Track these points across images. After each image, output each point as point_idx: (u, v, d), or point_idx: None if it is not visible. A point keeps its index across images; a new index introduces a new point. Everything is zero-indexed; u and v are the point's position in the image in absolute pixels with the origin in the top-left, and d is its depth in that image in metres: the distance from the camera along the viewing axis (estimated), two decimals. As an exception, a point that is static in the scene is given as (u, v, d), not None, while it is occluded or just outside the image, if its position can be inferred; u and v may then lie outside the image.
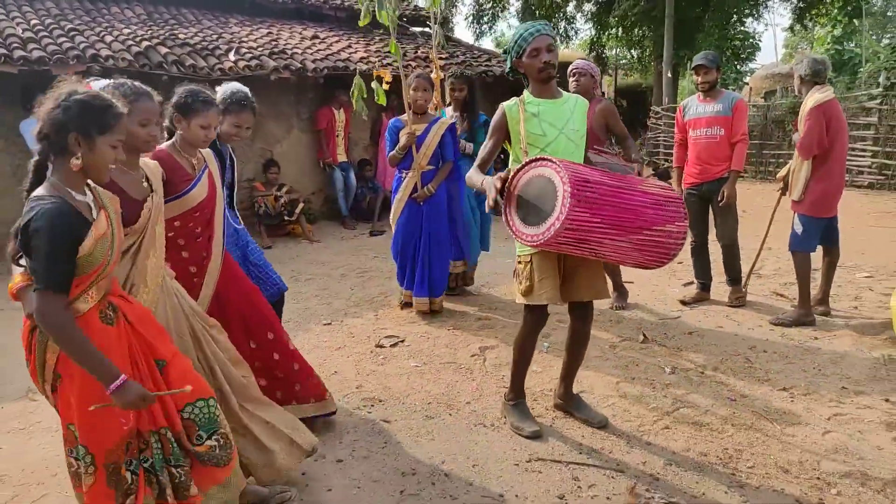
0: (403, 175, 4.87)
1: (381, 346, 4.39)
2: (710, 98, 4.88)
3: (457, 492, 2.74)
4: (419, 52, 9.87)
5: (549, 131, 3.00)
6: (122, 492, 2.04)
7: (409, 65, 8.57)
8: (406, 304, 5.08)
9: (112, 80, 2.30)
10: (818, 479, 2.79)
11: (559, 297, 3.03)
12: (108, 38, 7.20)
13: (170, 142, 2.74)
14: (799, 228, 4.59)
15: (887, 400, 3.48)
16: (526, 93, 3.08)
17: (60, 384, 2.00)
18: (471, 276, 5.55)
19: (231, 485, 2.25)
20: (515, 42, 2.99)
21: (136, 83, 2.32)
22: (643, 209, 2.76)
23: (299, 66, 7.85)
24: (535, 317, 3.13)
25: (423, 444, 3.13)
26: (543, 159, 2.74)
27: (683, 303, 5.12)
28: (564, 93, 3.14)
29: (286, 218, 7.93)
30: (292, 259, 7.03)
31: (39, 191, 1.91)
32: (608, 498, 2.68)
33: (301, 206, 7.98)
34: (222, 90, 3.13)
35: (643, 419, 3.33)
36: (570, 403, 3.36)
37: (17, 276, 2.00)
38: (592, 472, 2.86)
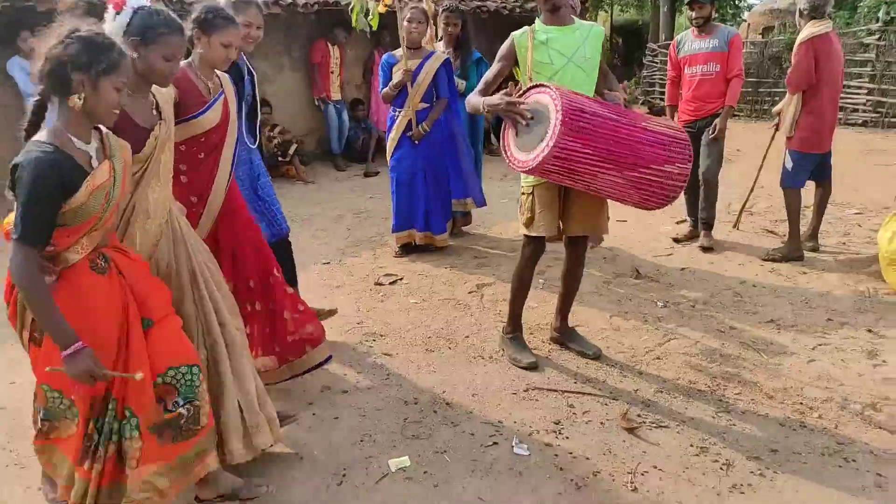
0: (396, 113, 4.78)
1: (380, 284, 4.47)
2: (704, 34, 4.82)
3: (458, 419, 2.87)
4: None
5: (557, 59, 2.98)
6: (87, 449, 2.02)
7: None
8: (402, 250, 5.00)
9: (148, 5, 2.18)
10: (801, 404, 2.94)
11: (556, 231, 3.11)
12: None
13: (186, 61, 2.57)
14: (789, 164, 4.64)
15: (870, 330, 3.62)
16: (537, 21, 3.08)
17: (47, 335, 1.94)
18: (470, 217, 5.54)
19: (177, 467, 2.11)
20: None
21: (170, 14, 2.19)
22: (641, 146, 2.77)
23: (290, 0, 7.67)
24: (533, 248, 3.21)
25: (424, 376, 3.25)
26: (542, 85, 2.76)
27: (676, 240, 5.20)
28: (578, 21, 3.10)
29: (280, 159, 7.89)
30: (287, 200, 7.00)
31: (40, 134, 1.85)
32: (602, 423, 2.82)
33: (294, 146, 7.92)
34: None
35: (635, 350, 3.45)
36: (565, 336, 3.47)
37: (12, 215, 1.90)
38: (587, 400, 3.00)
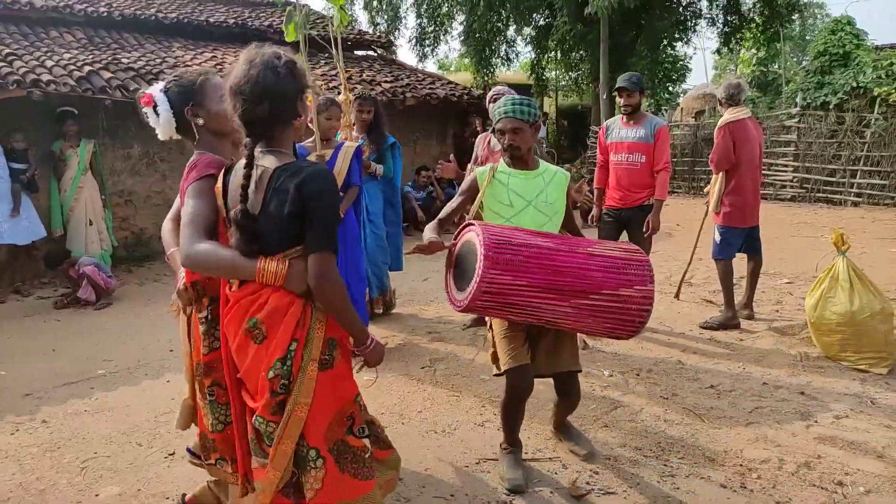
0: None
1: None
2: (633, 122, 4.76)
3: (410, 493, 2.89)
4: (364, 74, 10.08)
5: (517, 202, 2.95)
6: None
7: (355, 87, 8.74)
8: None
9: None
10: (741, 465, 3.06)
11: (527, 357, 2.90)
12: (49, 63, 7.16)
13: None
14: (718, 238, 4.97)
15: (802, 392, 3.81)
16: (501, 161, 3.08)
17: (339, 357, 1.96)
18: (391, 297, 5.52)
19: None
20: (493, 114, 3.05)
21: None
22: (589, 272, 2.65)
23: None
24: (514, 382, 2.89)
25: (377, 452, 3.26)
26: (470, 224, 2.72)
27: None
28: (544, 164, 3.08)
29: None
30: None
31: (271, 158, 1.87)
32: (552, 491, 2.88)
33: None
34: None
35: (584, 419, 3.55)
36: (561, 432, 3.31)
37: (271, 262, 1.86)
38: (537, 471, 3.06)
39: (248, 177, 1.84)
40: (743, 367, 4.23)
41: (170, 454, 3.34)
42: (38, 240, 6.76)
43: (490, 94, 4.84)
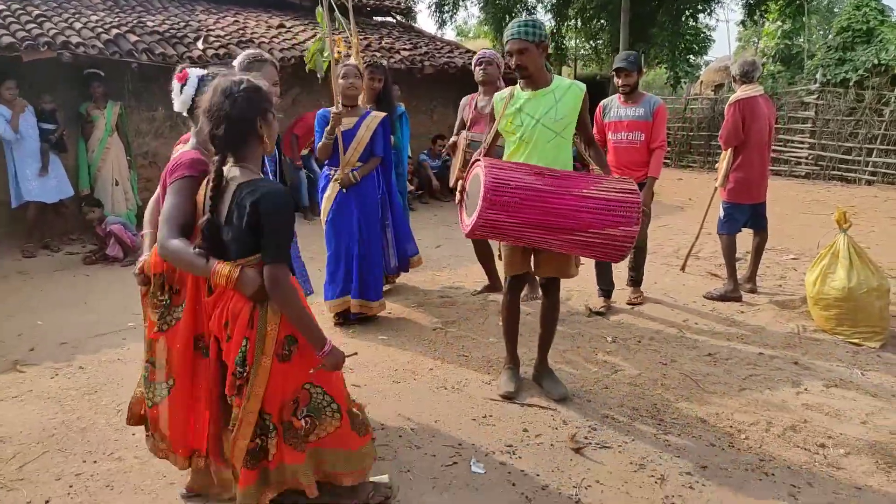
0: (331, 172, 4.51)
1: (340, 325, 4.69)
2: (630, 101, 4.74)
3: (421, 442, 3.13)
4: (383, 41, 10.14)
5: (526, 121, 3.21)
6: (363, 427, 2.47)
7: (375, 55, 8.85)
8: (339, 318, 4.68)
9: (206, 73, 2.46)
10: (731, 426, 3.27)
11: (525, 267, 3.43)
12: (77, 25, 7.32)
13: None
14: (722, 213, 5.12)
15: (796, 363, 4.00)
16: (518, 84, 3.33)
17: (297, 350, 2.25)
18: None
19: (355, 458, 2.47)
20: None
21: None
22: (579, 213, 2.97)
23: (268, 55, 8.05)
24: (509, 283, 3.53)
25: (390, 404, 3.51)
26: (478, 159, 3.14)
27: (591, 311, 4.94)
28: (557, 80, 3.25)
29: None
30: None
31: (236, 173, 2.14)
32: (552, 444, 3.10)
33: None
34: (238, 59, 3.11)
35: (585, 381, 3.77)
36: (539, 375, 3.66)
37: (224, 266, 2.11)
38: (540, 425, 3.28)
39: (214, 189, 2.11)
40: (741, 337, 4.41)
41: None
42: (66, 198, 7.01)
43: (476, 57, 4.91)
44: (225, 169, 2.16)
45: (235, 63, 3.10)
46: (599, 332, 4.49)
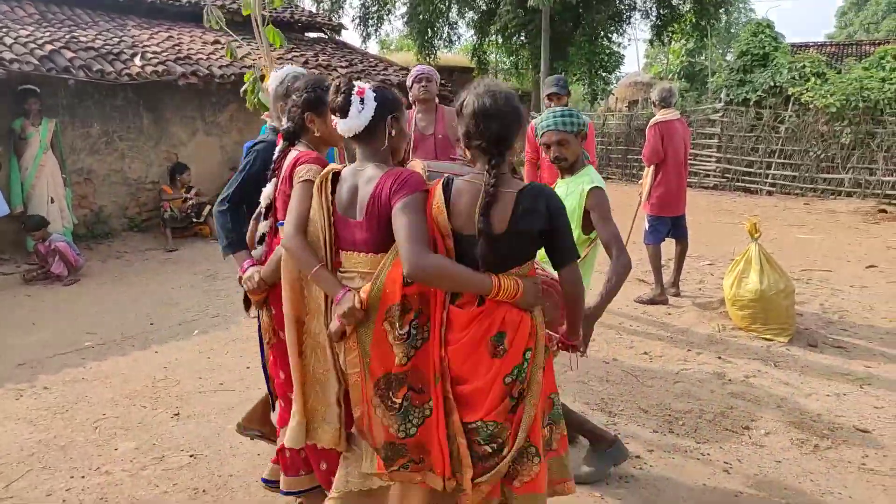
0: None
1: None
2: None
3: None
4: (319, 59, 10.32)
5: None
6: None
7: (313, 73, 9.00)
8: None
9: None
10: (669, 414, 3.71)
11: None
12: (8, 41, 7.14)
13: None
14: (647, 225, 5.67)
15: (720, 357, 4.52)
16: None
17: (546, 361, 2.15)
18: None
19: None
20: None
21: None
22: None
23: (206, 72, 8.11)
24: None
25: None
26: None
27: None
28: (582, 172, 3.10)
29: (194, 220, 8.17)
30: (206, 259, 7.34)
31: (502, 181, 2.00)
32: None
33: (208, 207, 8.24)
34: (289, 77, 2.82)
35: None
36: None
37: (508, 280, 1.99)
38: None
39: (492, 197, 1.96)
40: (671, 336, 4.92)
41: (175, 414, 3.73)
42: (-1, 216, 6.82)
43: (414, 73, 4.52)
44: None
45: (277, 79, 2.81)
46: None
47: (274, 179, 2.60)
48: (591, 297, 2.72)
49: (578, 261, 2.86)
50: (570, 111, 3.08)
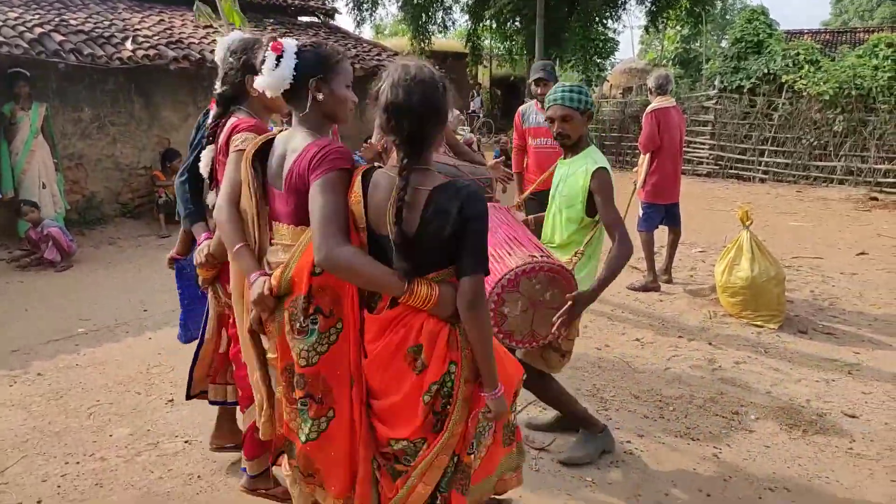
0: None
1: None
2: None
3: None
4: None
5: (554, 190, 3.13)
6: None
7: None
8: None
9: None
10: (659, 400, 3.75)
11: None
12: (-4, 23, 7.06)
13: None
14: (641, 212, 5.69)
15: (710, 343, 4.57)
16: None
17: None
18: None
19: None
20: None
21: (330, 42, 2.11)
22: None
23: (198, 56, 8.04)
24: None
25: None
26: None
27: None
28: (585, 153, 3.00)
29: (187, 205, 8.12)
30: (198, 245, 7.32)
31: (422, 179, 1.79)
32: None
33: (201, 193, 8.20)
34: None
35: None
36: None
37: (422, 285, 1.80)
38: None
39: (403, 198, 1.77)
40: (662, 323, 4.96)
41: (169, 400, 3.74)
42: (-12, 202, 6.77)
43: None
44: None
45: (223, 46, 2.59)
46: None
47: (211, 146, 2.51)
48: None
49: (584, 245, 2.95)
50: (579, 87, 2.96)
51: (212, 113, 2.57)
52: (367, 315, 1.91)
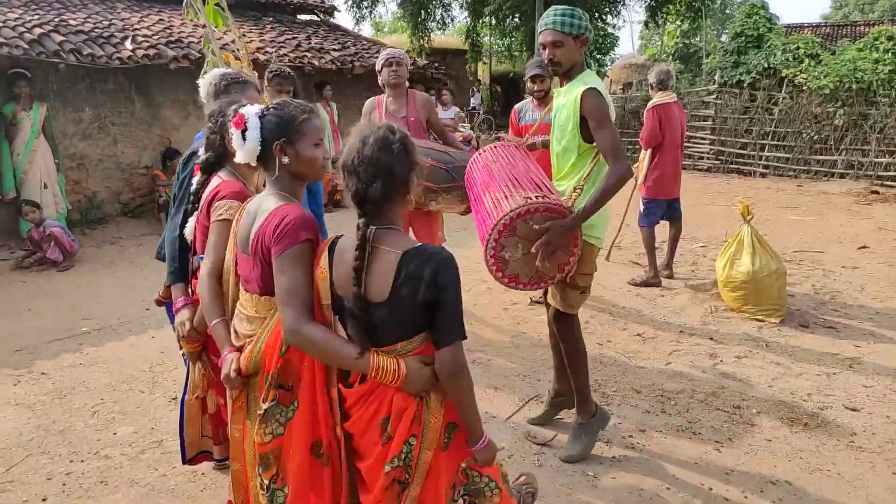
0: None
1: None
2: (544, 105, 4.66)
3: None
4: (312, 41, 10.24)
5: (553, 123, 3.04)
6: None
7: (305, 56, 8.96)
8: None
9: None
10: (661, 395, 3.76)
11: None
12: (-4, 24, 7.07)
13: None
14: (642, 207, 5.70)
15: (711, 338, 4.57)
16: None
17: (456, 435, 1.88)
18: None
19: None
20: None
21: (296, 101, 2.06)
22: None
23: (198, 55, 8.04)
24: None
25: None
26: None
27: (536, 301, 5.20)
28: (578, 79, 2.86)
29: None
30: (200, 243, 7.33)
31: (385, 237, 1.78)
32: (493, 416, 3.49)
33: (202, 192, 8.21)
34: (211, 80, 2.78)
35: (533, 363, 4.18)
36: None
37: (387, 360, 1.77)
38: (499, 400, 3.67)
39: (361, 259, 1.74)
40: (663, 318, 4.97)
41: (173, 399, 3.75)
42: (-10, 202, 6.79)
43: (384, 57, 4.33)
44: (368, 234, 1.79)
45: (206, 83, 2.81)
46: (541, 319, 4.91)
47: (196, 214, 2.45)
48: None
49: (583, 176, 2.84)
50: (572, 9, 2.80)
51: (195, 180, 2.49)
52: (343, 389, 1.90)
